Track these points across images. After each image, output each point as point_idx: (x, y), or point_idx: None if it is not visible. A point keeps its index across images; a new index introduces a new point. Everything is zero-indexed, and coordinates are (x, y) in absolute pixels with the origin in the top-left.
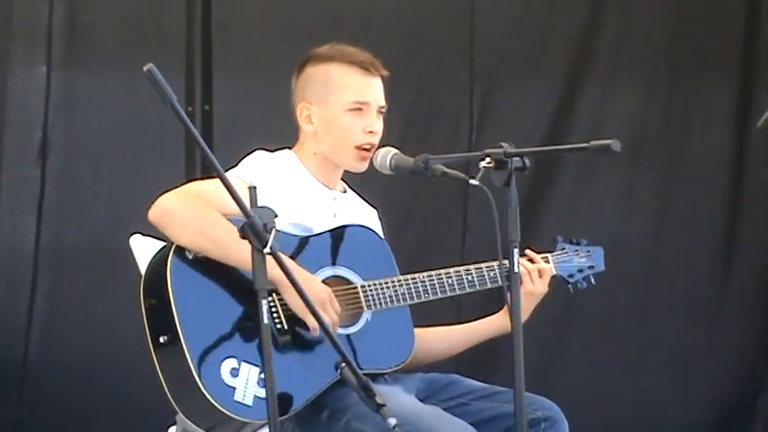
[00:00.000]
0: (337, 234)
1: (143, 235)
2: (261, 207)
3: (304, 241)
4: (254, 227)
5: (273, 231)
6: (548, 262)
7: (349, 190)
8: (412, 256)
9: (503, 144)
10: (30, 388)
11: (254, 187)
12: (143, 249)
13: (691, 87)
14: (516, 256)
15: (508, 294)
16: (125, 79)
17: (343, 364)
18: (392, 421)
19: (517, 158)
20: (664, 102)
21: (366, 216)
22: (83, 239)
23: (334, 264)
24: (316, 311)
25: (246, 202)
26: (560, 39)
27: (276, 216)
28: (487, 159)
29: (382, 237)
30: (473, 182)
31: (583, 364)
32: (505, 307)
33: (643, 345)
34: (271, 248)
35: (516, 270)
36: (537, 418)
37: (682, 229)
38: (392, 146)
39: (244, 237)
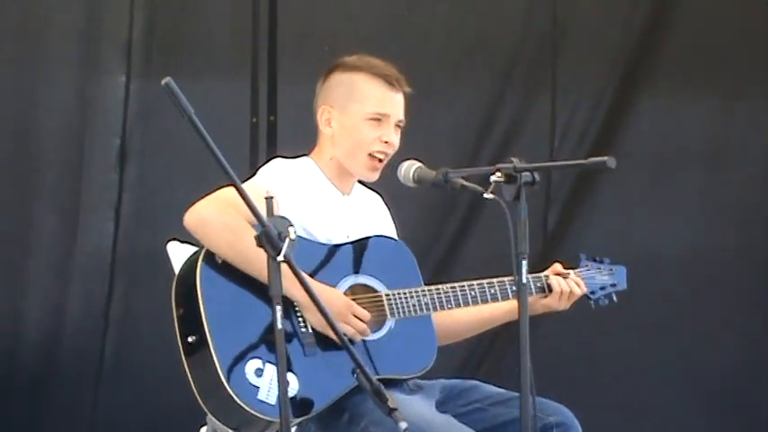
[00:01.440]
0: (363, 244)
1: (180, 242)
2: (277, 216)
3: (330, 250)
4: (269, 235)
5: (287, 240)
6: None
7: (355, 185)
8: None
9: (513, 159)
10: (105, 387)
11: (272, 197)
12: (179, 256)
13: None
14: (524, 269)
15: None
16: (199, 87)
17: (357, 370)
18: (403, 425)
19: (527, 173)
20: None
21: (375, 211)
22: (158, 244)
23: (357, 272)
24: (334, 325)
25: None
26: (640, 47)
27: (291, 225)
28: (498, 174)
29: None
30: (487, 195)
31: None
32: None
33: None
34: (285, 256)
35: (524, 282)
36: (549, 424)
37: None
38: (415, 159)
39: (259, 245)
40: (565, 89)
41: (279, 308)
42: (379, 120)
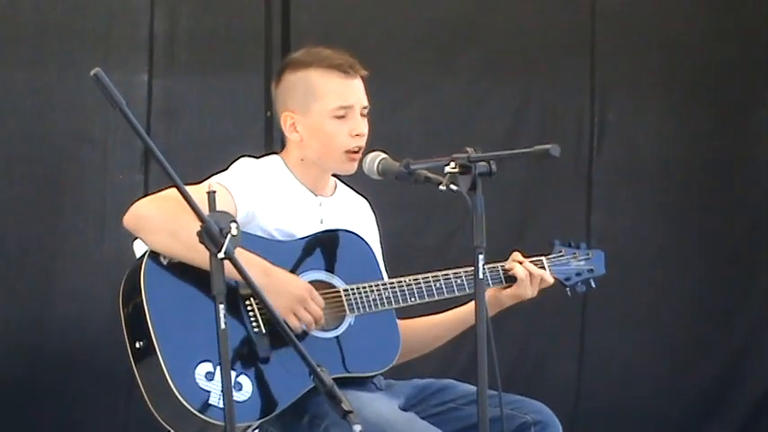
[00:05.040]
0: (320, 239)
1: None
2: (219, 212)
3: (286, 246)
4: (210, 232)
5: (229, 236)
6: (542, 264)
7: (339, 187)
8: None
9: (468, 149)
10: (137, 396)
11: (213, 192)
12: None
13: None
14: (481, 263)
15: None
16: (218, 83)
17: (311, 371)
18: (356, 428)
19: (483, 163)
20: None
21: (356, 215)
22: None
23: (316, 268)
24: (279, 320)
25: (224, 206)
26: (681, 45)
27: (234, 221)
28: (452, 164)
29: (367, 241)
30: (442, 187)
31: None
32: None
33: None
34: (226, 253)
35: (480, 276)
36: (527, 422)
37: None
38: (380, 150)
39: (201, 242)
40: (604, 86)
41: (222, 307)
42: (344, 115)
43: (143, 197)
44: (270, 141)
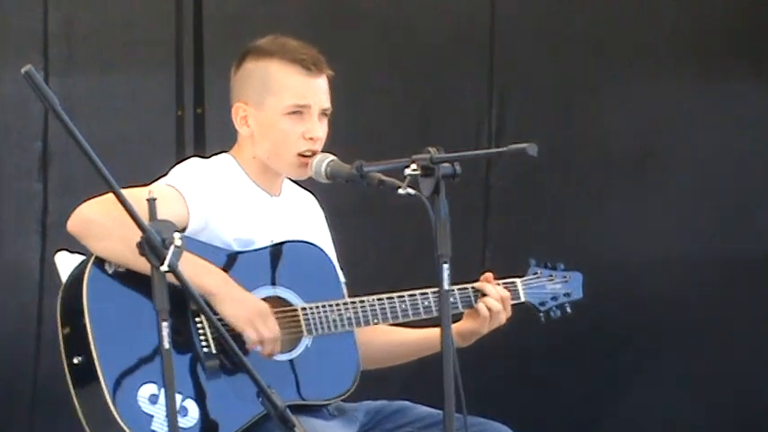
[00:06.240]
0: (278, 250)
1: (69, 252)
2: (160, 221)
3: (241, 257)
4: (152, 242)
5: (172, 247)
6: (515, 287)
7: (285, 183)
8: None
9: (430, 149)
10: (41, 413)
11: (154, 199)
12: (69, 267)
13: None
14: (446, 273)
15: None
16: (123, 81)
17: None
18: None
19: (446, 164)
20: (687, 105)
21: (307, 214)
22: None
23: (273, 283)
24: (227, 338)
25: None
26: (579, 40)
27: (176, 230)
28: (413, 166)
29: (325, 249)
30: (402, 191)
31: None
32: (464, 316)
33: None
34: (169, 266)
35: (446, 288)
36: None
37: None
38: (328, 152)
39: (142, 254)
40: (503, 79)
41: (165, 324)
42: (300, 112)
43: (86, 200)
44: (181, 144)
